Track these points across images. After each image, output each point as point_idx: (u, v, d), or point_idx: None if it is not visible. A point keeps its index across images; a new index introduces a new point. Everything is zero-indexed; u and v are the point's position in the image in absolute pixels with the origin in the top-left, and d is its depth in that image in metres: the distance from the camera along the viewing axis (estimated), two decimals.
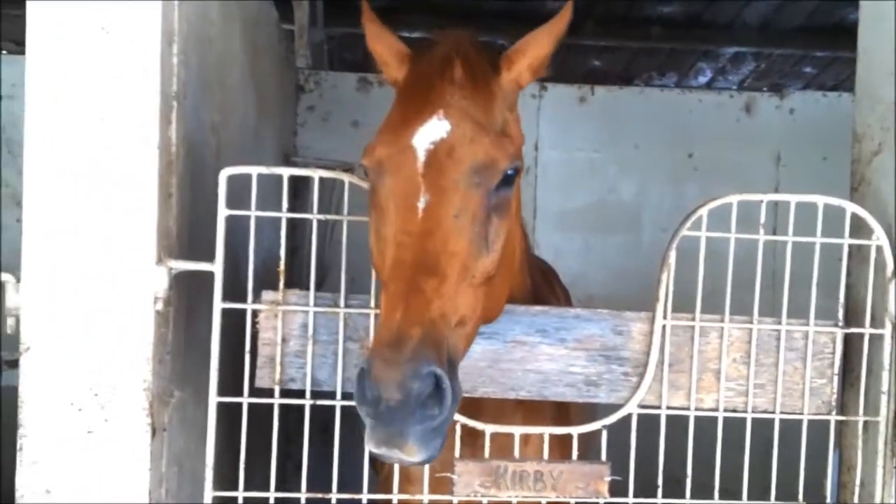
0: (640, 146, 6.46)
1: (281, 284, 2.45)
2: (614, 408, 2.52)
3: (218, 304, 2.37)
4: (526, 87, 2.39)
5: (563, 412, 2.77)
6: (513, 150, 2.17)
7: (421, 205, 2.03)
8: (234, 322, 2.45)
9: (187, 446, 2.68)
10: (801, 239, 2.51)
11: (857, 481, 2.58)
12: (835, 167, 5.56)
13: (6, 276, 2.30)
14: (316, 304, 2.46)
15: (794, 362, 2.55)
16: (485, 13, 6.90)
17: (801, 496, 2.54)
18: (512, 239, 2.31)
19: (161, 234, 2.36)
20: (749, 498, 2.54)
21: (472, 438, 2.48)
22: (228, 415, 2.43)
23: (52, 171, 2.29)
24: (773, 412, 2.54)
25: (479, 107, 2.16)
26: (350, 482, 2.49)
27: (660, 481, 2.50)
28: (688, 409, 2.52)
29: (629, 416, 2.50)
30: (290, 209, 2.47)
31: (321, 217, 2.48)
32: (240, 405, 2.41)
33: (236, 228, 2.44)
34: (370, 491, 2.48)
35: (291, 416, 2.51)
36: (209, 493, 2.38)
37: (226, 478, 2.49)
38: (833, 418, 2.57)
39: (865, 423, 2.59)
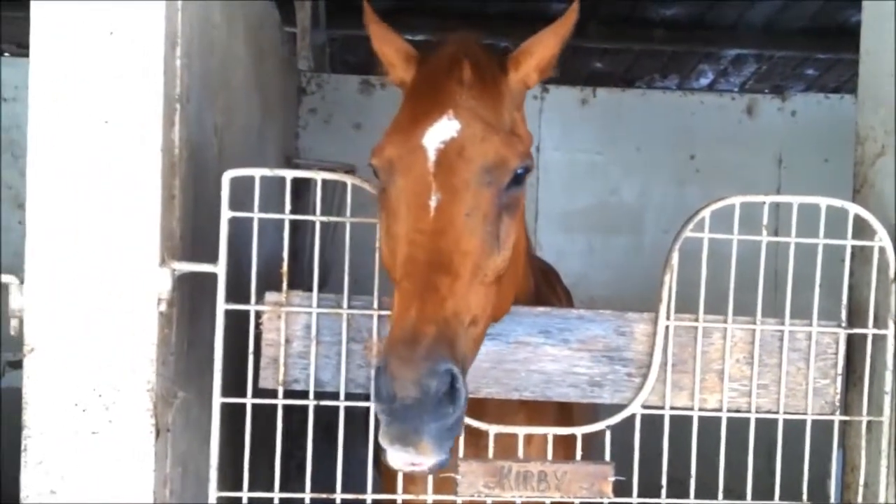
0: (641, 148, 6.48)
1: (284, 286, 2.45)
2: (618, 408, 2.52)
3: (221, 306, 2.37)
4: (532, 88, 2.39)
5: (565, 412, 2.77)
6: (522, 150, 2.18)
7: (433, 204, 2.04)
8: (237, 323, 2.46)
9: (191, 447, 2.69)
10: (804, 240, 2.51)
11: (861, 481, 2.58)
12: (836, 169, 5.59)
13: (10, 278, 2.30)
14: (319, 306, 2.46)
15: (798, 363, 2.55)
16: (487, 15, 6.90)
17: (804, 496, 2.54)
18: (519, 239, 2.32)
19: (164, 235, 2.37)
20: (753, 498, 2.54)
21: (476, 439, 2.48)
22: (232, 416, 2.44)
23: (55, 172, 2.30)
24: (777, 412, 2.54)
25: (489, 107, 2.17)
26: (353, 482, 2.49)
27: (664, 481, 2.51)
28: (691, 409, 2.52)
29: (633, 416, 2.50)
30: (292, 211, 2.48)
31: (323, 219, 2.48)
32: (243, 406, 2.42)
33: (238, 230, 2.44)
34: (373, 491, 2.48)
35: (294, 416, 2.51)
36: (213, 493, 2.38)
37: (229, 478, 2.49)
38: (836, 418, 2.57)
39: (869, 423, 2.59)
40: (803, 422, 2.54)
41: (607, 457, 2.48)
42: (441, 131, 2.10)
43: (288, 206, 2.46)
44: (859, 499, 2.59)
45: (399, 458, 1.92)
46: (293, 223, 2.48)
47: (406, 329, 1.88)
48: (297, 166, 5.35)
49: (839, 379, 2.56)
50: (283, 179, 2.46)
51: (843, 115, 6.14)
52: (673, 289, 2.49)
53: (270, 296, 2.48)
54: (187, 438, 2.65)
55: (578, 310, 2.58)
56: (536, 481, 2.40)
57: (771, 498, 2.55)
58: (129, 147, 2.32)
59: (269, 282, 2.53)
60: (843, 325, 2.57)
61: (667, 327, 2.50)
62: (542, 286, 2.98)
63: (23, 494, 2.29)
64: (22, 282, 2.30)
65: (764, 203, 2.52)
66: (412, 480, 2.56)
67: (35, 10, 2.29)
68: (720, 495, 2.54)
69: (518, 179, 2.16)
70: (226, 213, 2.37)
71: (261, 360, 2.47)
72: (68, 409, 2.30)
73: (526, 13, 6.68)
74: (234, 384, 2.46)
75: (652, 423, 2.50)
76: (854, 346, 2.61)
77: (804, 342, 2.55)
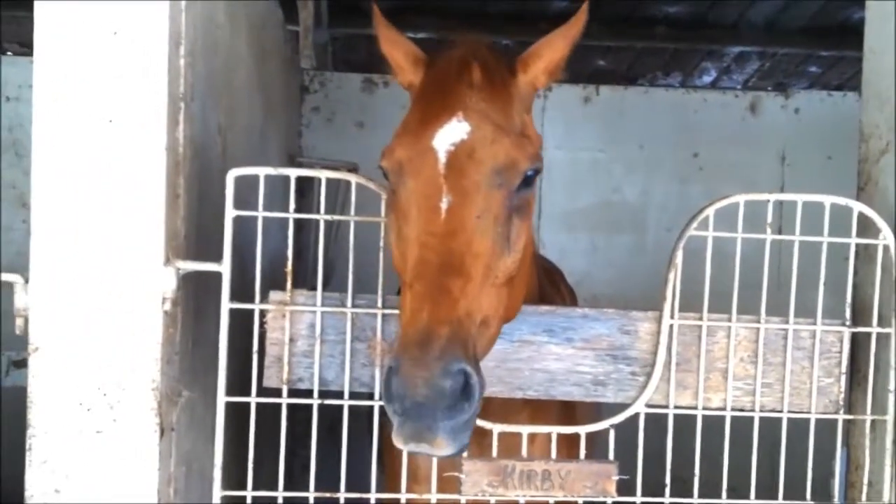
0: (644, 146, 6.47)
1: (289, 285, 2.45)
2: (621, 407, 2.52)
3: (226, 305, 2.38)
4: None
5: (568, 411, 2.77)
6: (532, 151, 2.18)
7: (444, 206, 2.04)
8: (241, 322, 2.46)
9: (196, 446, 2.69)
10: (809, 238, 2.51)
11: (865, 480, 2.58)
12: (840, 166, 5.58)
13: (14, 277, 2.31)
14: (323, 304, 2.46)
15: (802, 361, 2.55)
16: (488, 14, 6.90)
17: (808, 495, 2.54)
18: (528, 239, 2.32)
19: (169, 234, 2.37)
20: (756, 497, 2.53)
21: (479, 437, 2.48)
22: (235, 415, 2.44)
23: (59, 172, 2.30)
24: (781, 411, 2.54)
25: (498, 109, 2.17)
26: (357, 482, 2.50)
27: (667, 480, 2.51)
28: (695, 408, 2.52)
29: (636, 415, 2.50)
30: (295, 210, 2.48)
31: (328, 217, 2.48)
32: (247, 405, 2.42)
33: (242, 229, 2.44)
34: (377, 490, 2.48)
35: (298, 415, 2.51)
36: (218, 492, 2.38)
37: (232, 477, 2.49)
38: (841, 417, 2.57)
39: (873, 421, 2.58)
40: (807, 420, 2.54)
41: (611, 456, 2.48)
42: (451, 133, 2.10)
43: (293, 205, 2.46)
44: (863, 497, 2.59)
45: (413, 452, 1.93)
46: (296, 222, 2.48)
47: (419, 330, 1.88)
48: (300, 165, 5.36)
49: (843, 378, 2.56)
50: (285, 178, 2.46)
51: (847, 112, 6.15)
52: (677, 287, 2.49)
53: (275, 295, 2.48)
54: (192, 437, 2.65)
55: (582, 308, 2.58)
56: (540, 480, 2.40)
57: (775, 497, 2.55)
58: (134, 146, 2.32)
59: (273, 281, 2.54)
60: (848, 323, 2.57)
61: (671, 326, 2.50)
62: (546, 285, 2.98)
63: (27, 493, 2.30)
64: (27, 281, 2.30)
65: (768, 201, 2.52)
66: (416, 480, 2.56)
67: (39, 9, 2.30)
68: (724, 494, 2.54)
69: (528, 181, 2.16)
70: (230, 213, 2.37)
71: (265, 358, 2.47)
72: (73, 408, 2.30)
73: (527, 13, 6.68)
74: (238, 383, 2.46)
75: (656, 422, 2.50)
76: (858, 345, 2.61)
77: (808, 341, 2.55)
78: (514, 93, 2.27)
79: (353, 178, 2.48)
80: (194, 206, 2.60)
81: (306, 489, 2.47)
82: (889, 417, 2.54)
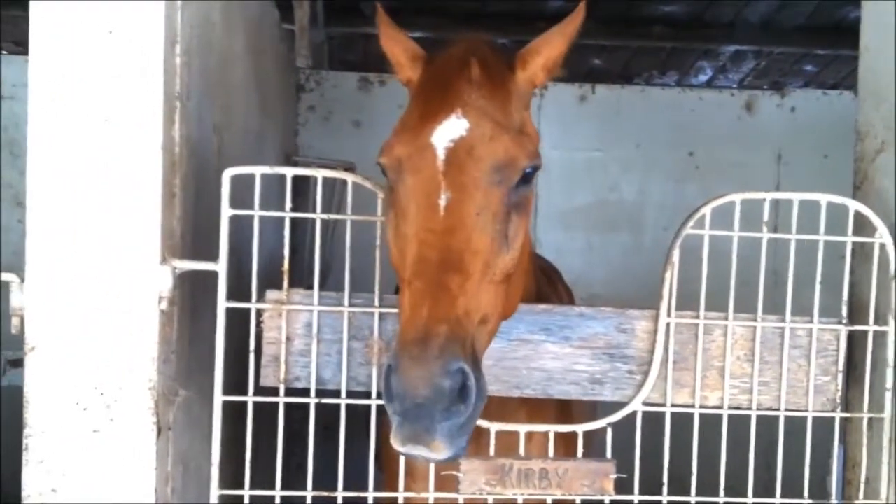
0: (641, 145, 6.47)
1: (285, 284, 2.45)
2: (619, 406, 2.52)
3: (222, 304, 2.37)
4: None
5: (565, 410, 2.77)
6: (531, 148, 2.18)
7: (443, 203, 2.04)
8: (238, 321, 2.45)
9: (192, 445, 2.69)
10: (805, 237, 2.51)
11: (862, 478, 2.59)
12: (835, 165, 5.58)
13: (11, 277, 2.30)
14: (320, 303, 2.46)
15: (799, 360, 2.55)
16: (488, 14, 6.91)
17: (805, 493, 2.54)
18: (526, 237, 2.32)
19: (165, 233, 2.37)
20: (754, 495, 2.54)
21: (477, 436, 2.47)
22: (231, 414, 2.43)
23: (55, 171, 2.30)
24: (778, 409, 2.54)
25: (497, 106, 2.17)
26: (354, 481, 2.50)
27: (665, 479, 2.51)
28: (692, 406, 2.53)
29: (634, 413, 2.50)
30: (292, 209, 2.47)
31: (325, 216, 2.48)
32: (244, 404, 2.42)
33: (237, 228, 2.44)
34: (375, 489, 2.48)
35: (293, 414, 2.51)
36: (215, 492, 2.38)
37: (229, 477, 2.49)
38: (838, 415, 2.57)
39: (870, 419, 2.59)
40: (804, 419, 2.54)
41: (608, 454, 2.48)
42: (450, 130, 2.10)
43: (289, 204, 2.46)
44: (861, 495, 2.60)
45: (410, 454, 1.92)
46: (292, 221, 2.48)
47: (418, 328, 1.88)
48: (296, 164, 5.35)
49: (840, 376, 2.56)
50: (281, 177, 2.45)
51: (843, 111, 6.15)
52: (674, 286, 2.49)
53: (271, 294, 2.47)
54: (188, 437, 2.65)
55: (579, 307, 2.58)
56: (538, 479, 2.40)
57: (772, 495, 2.56)
58: (130, 145, 2.31)
59: (268, 280, 2.53)
60: (844, 321, 2.57)
61: (668, 324, 2.50)
62: (544, 284, 2.99)
63: (24, 493, 2.29)
64: (23, 280, 2.30)
65: (764, 200, 2.52)
66: (414, 478, 2.56)
67: (34, 9, 2.29)
68: (721, 492, 2.54)
69: (527, 178, 2.16)
70: (226, 211, 2.37)
71: (262, 358, 2.47)
72: (70, 407, 2.30)
73: (526, 12, 6.69)
74: (235, 382, 2.46)
75: (653, 421, 2.50)
76: (855, 343, 2.61)
77: (805, 339, 2.55)
78: (512, 90, 2.27)
79: (350, 177, 2.48)
80: (190, 206, 2.59)
81: (301, 488, 2.47)
82: (886, 415, 2.55)
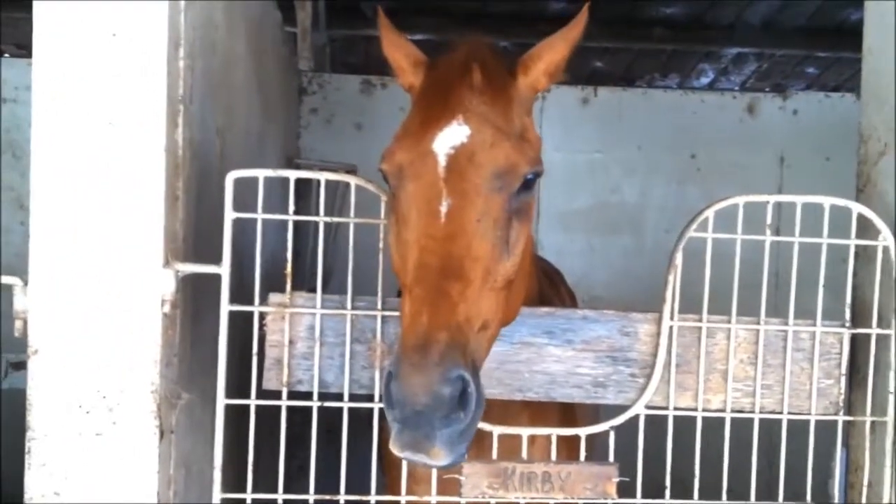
0: (642, 147, 6.48)
1: (288, 287, 2.45)
2: (621, 409, 2.52)
3: (225, 307, 2.37)
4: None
5: (568, 413, 2.77)
6: (532, 155, 2.18)
7: (443, 209, 2.04)
8: (240, 324, 2.45)
9: (195, 448, 2.69)
10: (808, 240, 2.51)
11: (865, 482, 2.58)
12: (838, 167, 5.60)
13: (13, 280, 2.30)
14: (323, 307, 2.46)
15: (802, 363, 2.55)
16: (489, 15, 6.90)
17: (808, 497, 2.54)
18: (527, 242, 2.32)
19: (168, 236, 2.37)
20: (756, 499, 2.53)
21: (479, 440, 2.47)
22: (234, 417, 2.43)
23: (58, 174, 2.30)
24: (781, 413, 2.54)
25: (499, 112, 2.17)
26: (356, 484, 2.49)
27: (667, 482, 2.50)
28: (695, 409, 2.52)
29: (636, 417, 2.50)
30: (294, 212, 2.47)
31: (328, 219, 2.48)
32: (246, 407, 2.41)
33: (238, 231, 2.44)
34: (377, 492, 2.47)
35: (295, 417, 2.51)
36: (217, 494, 2.38)
37: (231, 480, 2.49)
38: (840, 419, 2.57)
39: (873, 423, 2.58)
40: (806, 422, 2.54)
41: (611, 458, 2.48)
42: (451, 136, 2.10)
43: (292, 207, 2.46)
44: (863, 499, 2.59)
45: (410, 460, 1.93)
46: (294, 224, 2.48)
47: (418, 335, 1.88)
48: (298, 166, 5.35)
49: (843, 379, 2.56)
50: (283, 180, 2.45)
51: (845, 113, 6.16)
52: (677, 289, 2.49)
53: (274, 297, 2.47)
54: (191, 440, 2.65)
55: (582, 310, 2.58)
56: (540, 482, 2.40)
57: (774, 499, 2.55)
58: (133, 148, 2.31)
59: (270, 283, 2.53)
60: (847, 324, 2.57)
61: (671, 328, 2.50)
62: (546, 287, 2.98)
63: (27, 496, 2.29)
64: (25, 283, 2.30)
65: (767, 203, 2.52)
66: (416, 481, 2.56)
67: (38, 10, 2.29)
68: (724, 496, 2.53)
69: (528, 184, 2.16)
70: (230, 214, 2.37)
71: (264, 361, 2.46)
72: (72, 410, 2.30)
73: (527, 13, 6.68)
74: (237, 385, 2.46)
75: (656, 424, 2.50)
76: (858, 346, 2.61)
77: (808, 342, 2.55)
78: (514, 95, 2.27)
79: (353, 180, 2.48)
80: (193, 208, 2.59)
81: (303, 491, 2.47)
82: (889, 419, 2.54)
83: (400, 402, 1.85)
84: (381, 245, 2.43)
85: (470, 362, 1.91)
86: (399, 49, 2.43)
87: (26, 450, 2.29)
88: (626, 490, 2.46)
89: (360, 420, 2.55)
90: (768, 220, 2.52)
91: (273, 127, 4.68)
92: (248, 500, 2.44)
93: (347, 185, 2.48)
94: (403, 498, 2.48)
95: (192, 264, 2.41)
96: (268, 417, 2.47)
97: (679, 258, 2.49)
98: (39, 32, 2.29)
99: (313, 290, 2.48)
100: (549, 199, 6.33)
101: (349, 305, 2.46)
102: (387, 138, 2.24)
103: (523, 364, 2.51)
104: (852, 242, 2.56)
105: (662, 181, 6.48)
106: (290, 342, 2.46)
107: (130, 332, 2.31)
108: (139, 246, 2.32)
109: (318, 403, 2.44)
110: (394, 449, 1.90)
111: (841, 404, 2.56)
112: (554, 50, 2.34)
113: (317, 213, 2.48)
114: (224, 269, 2.37)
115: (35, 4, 2.29)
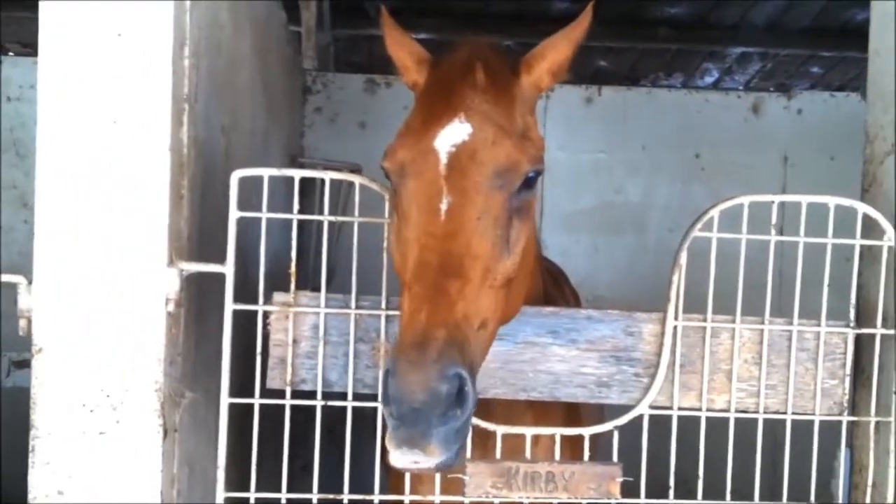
0: (647, 147, 6.47)
1: (292, 286, 2.45)
2: (625, 409, 2.51)
3: (229, 306, 2.37)
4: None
5: (572, 413, 2.77)
6: (534, 153, 2.18)
7: (444, 207, 2.04)
8: (244, 323, 2.45)
9: (199, 447, 2.69)
10: (813, 240, 2.51)
11: (869, 482, 2.58)
12: (842, 167, 5.58)
13: (18, 278, 2.30)
14: (327, 306, 2.46)
15: (806, 363, 2.54)
16: (491, 15, 6.90)
17: (812, 496, 2.53)
18: (529, 241, 2.32)
19: (172, 235, 2.37)
20: (760, 499, 2.53)
21: (483, 439, 2.48)
22: (237, 416, 2.43)
23: (63, 172, 2.30)
24: (785, 413, 2.53)
25: (501, 110, 2.17)
26: (360, 483, 2.49)
27: (671, 482, 2.50)
28: (699, 409, 2.52)
29: (640, 417, 2.50)
30: (298, 211, 2.47)
31: (332, 218, 2.48)
32: (249, 406, 2.42)
33: (242, 230, 2.44)
34: (381, 492, 2.47)
35: (297, 416, 2.51)
36: (221, 493, 2.38)
37: (234, 479, 2.49)
38: (845, 419, 2.56)
39: (877, 423, 2.58)
40: (811, 422, 2.53)
41: (615, 457, 2.48)
42: (453, 134, 2.10)
43: (296, 206, 2.46)
44: (867, 499, 2.58)
45: (405, 459, 1.92)
46: (298, 223, 2.48)
47: (416, 332, 1.88)
48: (302, 165, 5.35)
49: (847, 379, 2.55)
50: (286, 179, 2.45)
51: (849, 113, 6.14)
52: (681, 289, 2.48)
53: (278, 296, 2.47)
54: (195, 439, 2.65)
55: (586, 310, 2.58)
56: (544, 482, 2.39)
57: (778, 499, 2.55)
58: (138, 147, 2.32)
59: (273, 282, 2.53)
60: (852, 324, 2.56)
61: (675, 327, 2.49)
62: (550, 287, 2.98)
63: (30, 495, 2.29)
64: (30, 282, 2.30)
65: (771, 202, 2.51)
66: (420, 481, 2.56)
67: (43, 10, 2.29)
68: (728, 496, 2.53)
69: (529, 183, 2.16)
70: (234, 213, 2.37)
71: (268, 360, 2.46)
72: (76, 409, 2.30)
73: (529, 13, 6.69)
74: (240, 384, 2.46)
75: (660, 424, 2.50)
76: (862, 346, 2.60)
77: (812, 342, 2.55)
78: (517, 94, 2.27)
79: (357, 179, 2.48)
80: (197, 207, 2.59)
81: (306, 490, 2.47)
82: (893, 419, 2.54)
83: (397, 398, 1.85)
84: (384, 244, 2.43)
85: (468, 360, 1.91)
86: (403, 47, 2.43)
87: (30, 448, 2.29)
88: (629, 490, 2.45)
89: (364, 419, 2.55)
90: (773, 220, 2.51)
91: (277, 126, 4.69)
92: (252, 500, 2.44)
93: (351, 184, 2.48)
94: (407, 497, 2.48)
95: (197, 263, 2.41)
96: (271, 416, 2.47)
97: (683, 258, 2.48)
98: (45, 32, 2.30)
99: (317, 290, 2.48)
100: (552, 199, 6.32)
101: (353, 305, 2.46)
102: (390, 137, 2.25)
103: (527, 363, 2.50)
104: (857, 242, 2.55)
105: (666, 181, 6.46)
106: (294, 341, 2.46)
107: (134, 330, 2.32)
108: (144, 244, 2.32)
109: (322, 403, 2.45)
110: (390, 446, 1.90)
111: (845, 404, 2.56)
112: (557, 49, 2.34)
113: (321, 213, 2.49)
114: (228, 268, 2.37)
115: (41, 5, 2.29)
